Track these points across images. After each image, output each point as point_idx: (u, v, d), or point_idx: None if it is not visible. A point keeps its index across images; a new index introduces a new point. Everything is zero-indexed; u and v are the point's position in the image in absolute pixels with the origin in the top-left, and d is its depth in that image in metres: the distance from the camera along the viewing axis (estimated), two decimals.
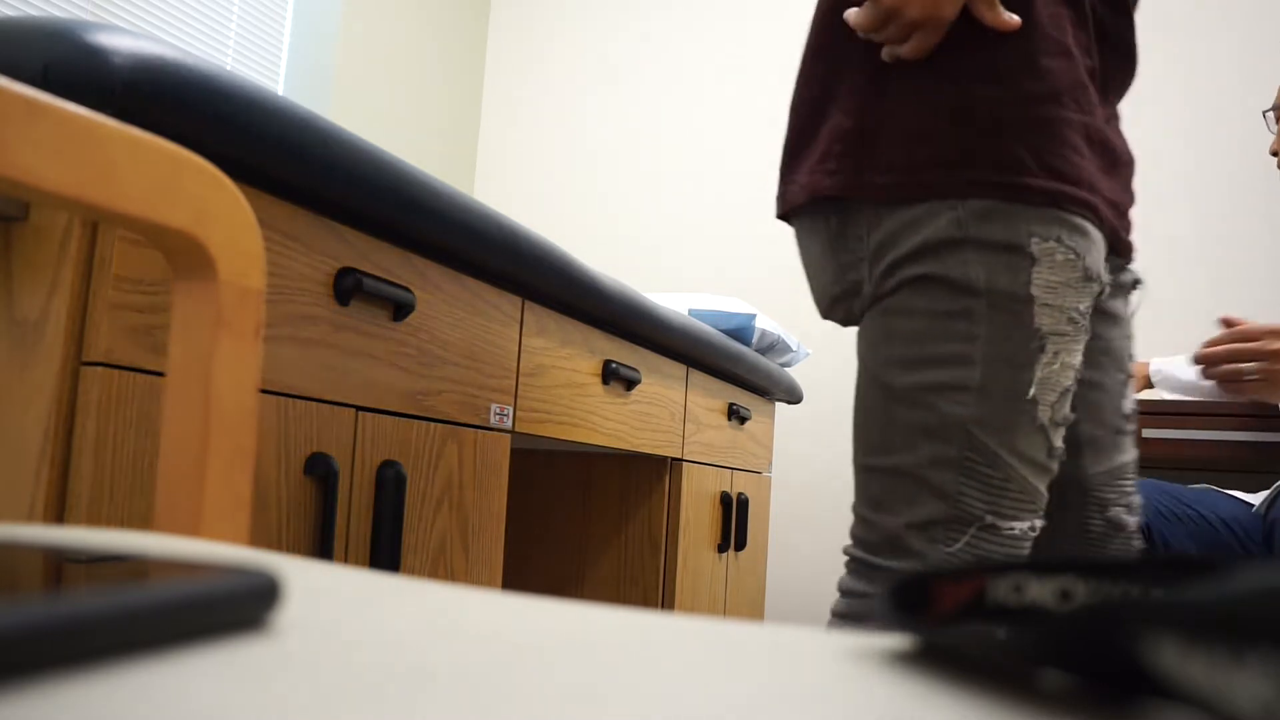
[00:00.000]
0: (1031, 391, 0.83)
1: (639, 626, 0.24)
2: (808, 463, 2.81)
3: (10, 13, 1.99)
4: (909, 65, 0.85)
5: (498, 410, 1.24)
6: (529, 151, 3.20)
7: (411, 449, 1.08)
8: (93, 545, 0.32)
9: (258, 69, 2.58)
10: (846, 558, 0.93)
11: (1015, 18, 0.81)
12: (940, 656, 0.21)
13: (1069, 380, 0.86)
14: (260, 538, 0.88)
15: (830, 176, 0.86)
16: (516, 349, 1.29)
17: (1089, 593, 0.20)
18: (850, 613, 0.89)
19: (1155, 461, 2.34)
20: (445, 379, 1.14)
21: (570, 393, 1.44)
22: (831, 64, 0.90)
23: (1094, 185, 0.86)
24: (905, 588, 0.22)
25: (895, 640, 0.23)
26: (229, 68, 2.20)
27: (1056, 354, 0.84)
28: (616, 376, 1.54)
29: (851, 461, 0.94)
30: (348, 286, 0.96)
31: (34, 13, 2.03)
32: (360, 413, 1.00)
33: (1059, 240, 0.82)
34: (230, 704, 0.15)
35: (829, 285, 0.91)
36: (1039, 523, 0.86)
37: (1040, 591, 0.20)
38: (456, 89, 3.14)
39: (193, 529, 0.47)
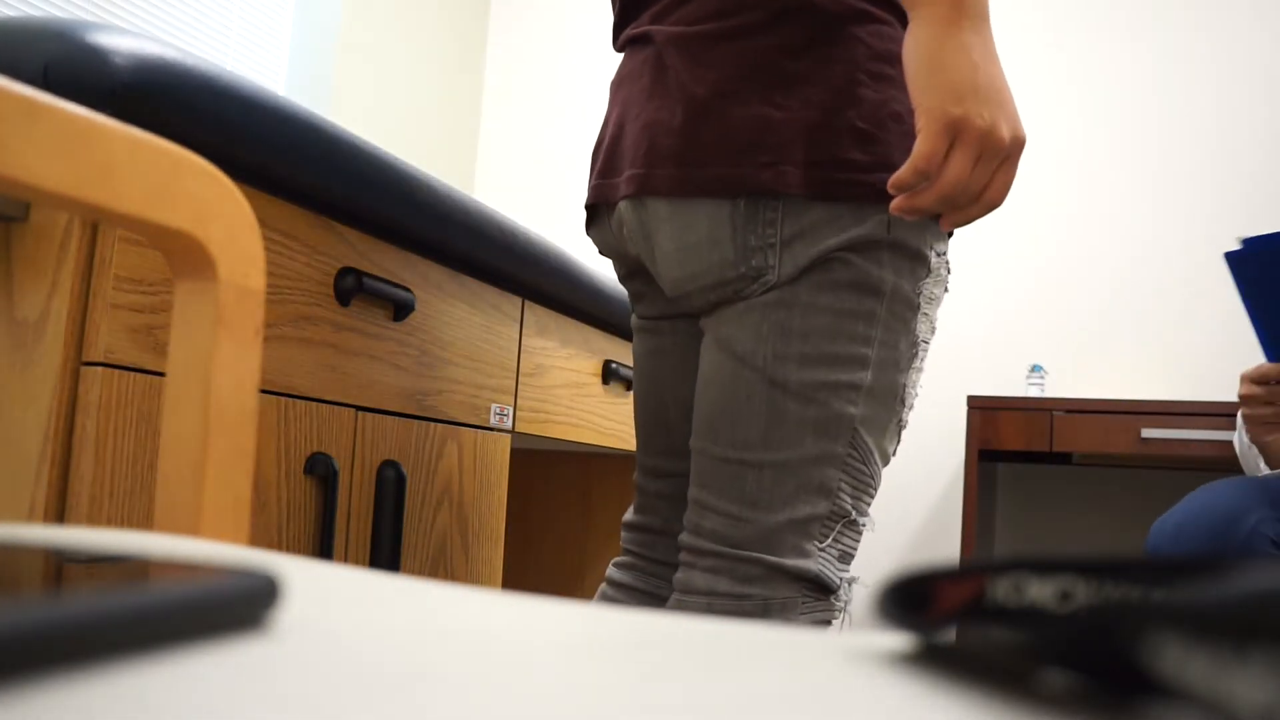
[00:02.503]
0: (903, 395, 0.88)
1: (639, 626, 0.24)
2: None
3: (10, 13, 1.99)
4: (833, 50, 0.83)
5: (498, 410, 1.24)
6: (529, 151, 3.20)
7: (411, 449, 1.08)
8: (93, 545, 0.32)
9: (258, 69, 2.58)
10: (695, 554, 0.87)
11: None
12: (940, 656, 0.21)
13: (919, 388, 0.90)
14: (260, 538, 0.88)
15: (767, 169, 0.82)
16: (516, 349, 1.29)
17: (1089, 593, 0.20)
18: (719, 613, 0.84)
19: (1155, 461, 2.34)
20: (445, 379, 1.14)
21: (570, 393, 1.44)
22: (742, 53, 0.84)
23: None
24: (905, 587, 0.22)
25: (895, 640, 0.23)
26: (229, 68, 2.20)
27: (922, 361, 0.89)
28: (616, 376, 1.54)
29: (701, 453, 0.88)
30: (348, 286, 0.96)
31: (34, 13, 2.03)
32: (360, 413, 1.00)
33: (943, 256, 0.88)
34: (230, 704, 0.15)
35: (721, 267, 0.85)
36: None
37: (1040, 592, 0.20)
38: (456, 89, 3.14)
39: (193, 529, 0.47)
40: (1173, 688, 0.15)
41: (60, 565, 0.25)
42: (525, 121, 3.22)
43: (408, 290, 1.04)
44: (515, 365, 1.29)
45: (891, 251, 0.84)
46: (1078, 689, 0.18)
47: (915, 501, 2.68)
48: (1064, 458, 2.52)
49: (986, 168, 0.75)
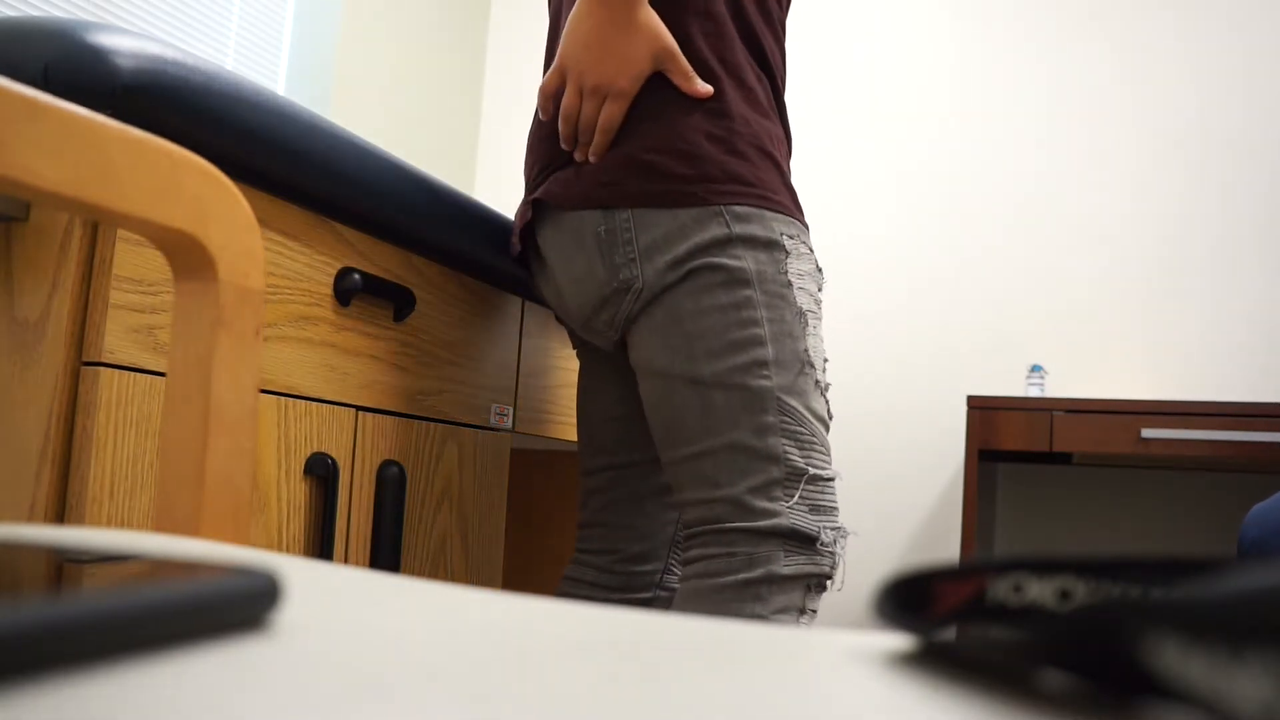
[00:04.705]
0: (809, 358, 0.99)
1: (639, 626, 0.24)
2: None
3: (10, 13, 1.99)
4: (669, 95, 0.98)
5: (498, 410, 1.24)
6: None
7: (411, 449, 1.08)
8: (93, 545, 0.32)
9: (258, 69, 2.58)
10: (687, 539, 0.99)
11: (707, 87, 0.98)
12: (940, 656, 0.21)
13: (825, 352, 1.00)
14: (260, 538, 0.88)
15: (606, 189, 0.98)
16: (516, 349, 1.29)
17: (1088, 592, 0.20)
18: (713, 571, 0.96)
19: (1155, 461, 2.34)
20: (445, 379, 1.14)
21: (570, 393, 1.44)
22: None
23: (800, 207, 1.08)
24: (905, 587, 0.22)
25: (895, 640, 0.23)
26: (229, 68, 2.20)
27: (815, 328, 1.01)
28: None
29: (669, 463, 1.01)
30: (348, 286, 0.96)
31: (34, 13, 2.03)
32: (360, 413, 1.00)
33: (796, 238, 1.01)
34: (231, 703, 0.15)
35: (599, 287, 1.00)
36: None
37: (1040, 591, 0.20)
38: (456, 89, 3.14)
39: (193, 529, 0.47)
40: (1172, 687, 0.15)
41: (60, 565, 0.25)
42: (525, 122, 3.22)
43: (408, 290, 1.04)
44: (515, 365, 1.28)
45: (744, 245, 0.97)
46: (1078, 689, 0.18)
47: (915, 501, 2.68)
48: (1064, 458, 2.52)
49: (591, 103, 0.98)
